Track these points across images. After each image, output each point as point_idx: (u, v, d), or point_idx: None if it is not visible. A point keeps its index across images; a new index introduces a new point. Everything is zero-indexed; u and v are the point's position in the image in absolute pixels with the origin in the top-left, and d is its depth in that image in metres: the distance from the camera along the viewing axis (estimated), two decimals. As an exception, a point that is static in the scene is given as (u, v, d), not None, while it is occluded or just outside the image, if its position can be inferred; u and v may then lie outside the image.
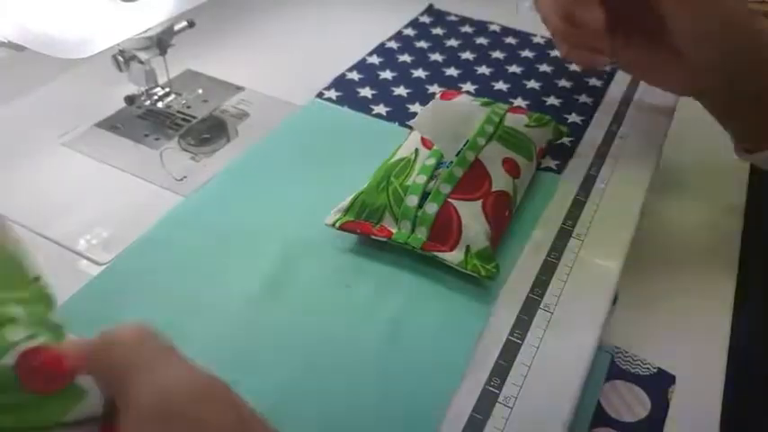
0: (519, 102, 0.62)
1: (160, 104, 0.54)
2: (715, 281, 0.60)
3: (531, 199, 0.49)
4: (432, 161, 0.45)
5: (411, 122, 0.43)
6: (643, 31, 0.52)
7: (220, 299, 0.40)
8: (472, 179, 0.44)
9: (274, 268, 0.42)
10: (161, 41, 0.49)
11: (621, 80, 0.67)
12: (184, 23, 0.50)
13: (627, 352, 0.52)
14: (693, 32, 0.47)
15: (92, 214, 0.46)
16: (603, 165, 0.54)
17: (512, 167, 0.46)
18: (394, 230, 0.43)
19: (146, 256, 0.43)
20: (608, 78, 0.67)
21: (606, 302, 0.42)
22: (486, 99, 0.54)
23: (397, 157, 0.47)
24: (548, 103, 0.63)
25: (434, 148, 0.46)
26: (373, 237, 0.43)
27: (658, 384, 0.48)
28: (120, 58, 0.51)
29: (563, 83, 0.66)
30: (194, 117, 0.55)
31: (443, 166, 0.45)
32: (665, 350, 0.53)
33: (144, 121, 0.54)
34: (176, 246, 0.43)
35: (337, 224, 0.43)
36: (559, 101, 0.63)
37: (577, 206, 0.50)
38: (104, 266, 0.42)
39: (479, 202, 0.43)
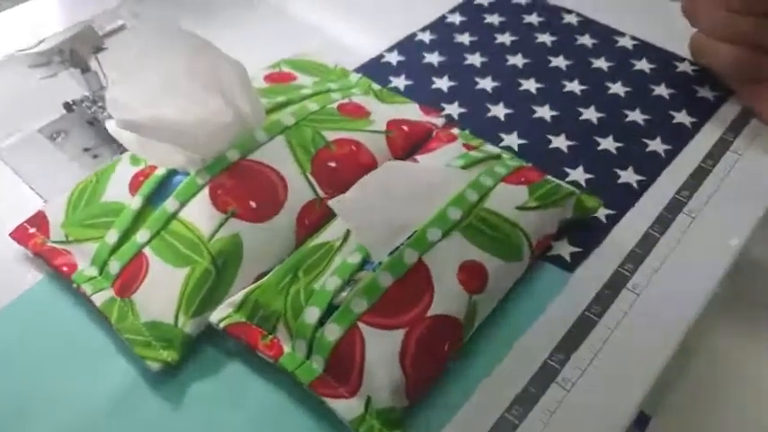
0: (590, 113, 0.47)
1: (105, 113, 0.46)
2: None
3: (519, 296, 0.36)
4: (357, 258, 0.33)
5: (330, 203, 0.31)
6: None
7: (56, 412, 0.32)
8: (403, 293, 0.31)
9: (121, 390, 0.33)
10: (74, 53, 0.40)
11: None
12: (118, 23, 0.41)
13: None
14: None
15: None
16: (647, 258, 0.38)
17: (471, 277, 0.33)
18: (287, 348, 0.32)
19: None
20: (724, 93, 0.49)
21: None
22: (482, 150, 0.40)
23: (318, 240, 0.35)
24: (628, 119, 0.47)
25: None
26: (259, 353, 0.32)
27: None
28: (57, 58, 0.42)
29: (660, 90, 0.49)
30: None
31: (369, 267, 0.32)
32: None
33: (91, 129, 0.47)
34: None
35: (222, 324, 0.33)
36: (645, 117, 0.47)
37: (590, 322, 0.36)
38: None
39: (401, 333, 0.31)
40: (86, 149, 0.46)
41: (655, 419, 0.43)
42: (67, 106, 0.45)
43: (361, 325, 0.30)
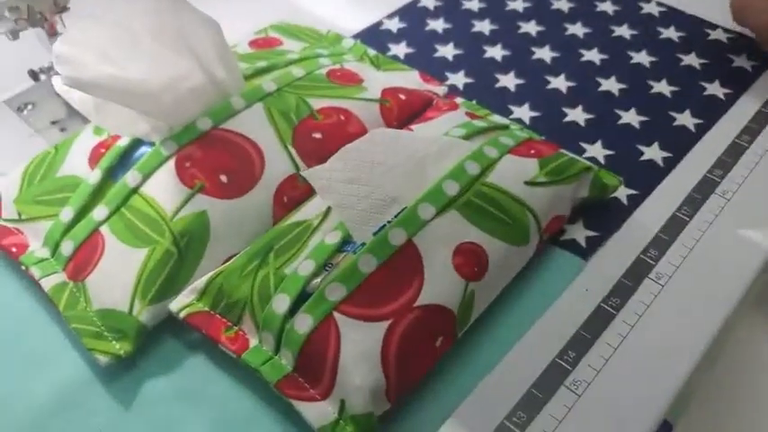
0: (611, 84, 0.43)
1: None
2: None
3: (525, 285, 0.31)
4: (336, 237, 0.28)
5: (305, 173, 0.27)
6: None
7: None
8: (388, 280, 0.27)
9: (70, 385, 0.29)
10: (32, 11, 0.36)
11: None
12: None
13: None
14: None
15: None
16: (674, 244, 0.34)
17: (469, 261, 0.28)
18: (253, 342, 0.28)
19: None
20: (763, 62, 0.44)
21: None
22: (487, 120, 0.35)
23: (295, 218, 0.31)
24: (653, 91, 0.42)
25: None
26: (221, 347, 0.28)
27: None
28: (11, 16, 0.38)
29: (690, 59, 0.44)
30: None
31: (349, 248, 0.28)
32: None
33: (60, 100, 0.43)
34: None
35: (182, 313, 0.29)
36: (673, 89, 0.42)
37: (607, 316, 0.31)
38: None
39: (384, 326, 0.26)
40: (54, 122, 0.42)
41: (677, 428, 0.39)
42: (33, 74, 0.42)
43: (336, 315, 0.26)
